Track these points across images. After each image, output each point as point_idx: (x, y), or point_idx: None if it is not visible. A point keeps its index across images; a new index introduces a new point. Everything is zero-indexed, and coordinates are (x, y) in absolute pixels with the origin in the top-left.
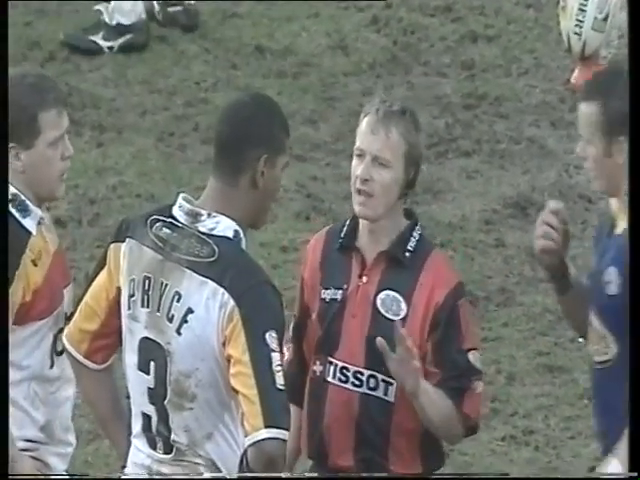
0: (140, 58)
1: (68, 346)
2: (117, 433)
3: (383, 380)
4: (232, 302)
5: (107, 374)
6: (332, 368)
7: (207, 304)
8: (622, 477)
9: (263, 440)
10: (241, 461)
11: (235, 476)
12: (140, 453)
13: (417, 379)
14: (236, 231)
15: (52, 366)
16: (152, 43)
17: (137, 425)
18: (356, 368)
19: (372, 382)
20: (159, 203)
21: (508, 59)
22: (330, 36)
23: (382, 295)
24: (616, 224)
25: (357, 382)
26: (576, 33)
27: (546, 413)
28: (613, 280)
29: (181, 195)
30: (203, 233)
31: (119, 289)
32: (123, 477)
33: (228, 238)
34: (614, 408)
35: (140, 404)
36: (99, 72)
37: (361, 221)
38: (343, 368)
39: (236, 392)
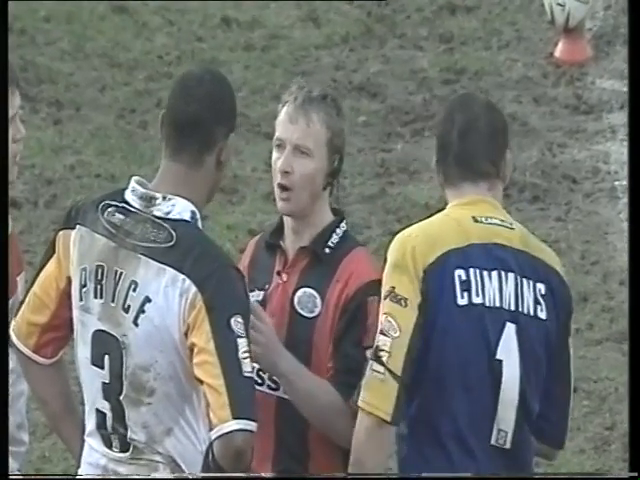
0: (99, 30)
1: (15, 340)
2: (70, 431)
3: None
4: (194, 288)
5: (57, 368)
6: None
7: (166, 292)
8: (622, 477)
9: (231, 432)
10: (206, 454)
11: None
12: (94, 452)
13: (290, 361)
14: (193, 212)
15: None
16: (112, 14)
17: (91, 423)
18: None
19: None
20: (120, 183)
21: (488, 31)
22: (300, 7)
23: (299, 293)
24: None
25: (273, 385)
26: (559, 4)
27: None
28: None
29: (134, 178)
30: (159, 217)
31: (69, 279)
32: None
33: (185, 221)
34: None
35: (94, 400)
36: (56, 45)
37: (285, 218)
38: (259, 370)
39: (200, 382)
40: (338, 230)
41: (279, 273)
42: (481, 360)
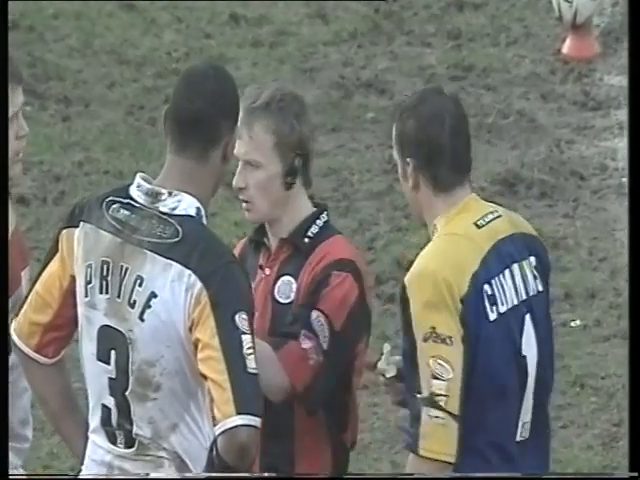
0: (108, 27)
1: (17, 340)
2: (70, 430)
3: None
4: (199, 284)
5: (59, 368)
6: None
7: (172, 287)
8: (622, 477)
9: (235, 427)
10: (211, 450)
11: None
12: (99, 449)
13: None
14: (198, 208)
15: (9, 353)
16: (120, 11)
17: (95, 419)
18: None
19: None
20: (128, 180)
21: (496, 28)
22: (308, 4)
23: (279, 282)
24: None
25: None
26: (567, 0)
27: None
28: None
29: (139, 174)
30: (164, 213)
31: (73, 277)
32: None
33: (191, 216)
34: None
35: (99, 396)
36: (64, 42)
37: None
38: None
39: (205, 378)
40: (318, 221)
41: (262, 267)
42: (511, 364)
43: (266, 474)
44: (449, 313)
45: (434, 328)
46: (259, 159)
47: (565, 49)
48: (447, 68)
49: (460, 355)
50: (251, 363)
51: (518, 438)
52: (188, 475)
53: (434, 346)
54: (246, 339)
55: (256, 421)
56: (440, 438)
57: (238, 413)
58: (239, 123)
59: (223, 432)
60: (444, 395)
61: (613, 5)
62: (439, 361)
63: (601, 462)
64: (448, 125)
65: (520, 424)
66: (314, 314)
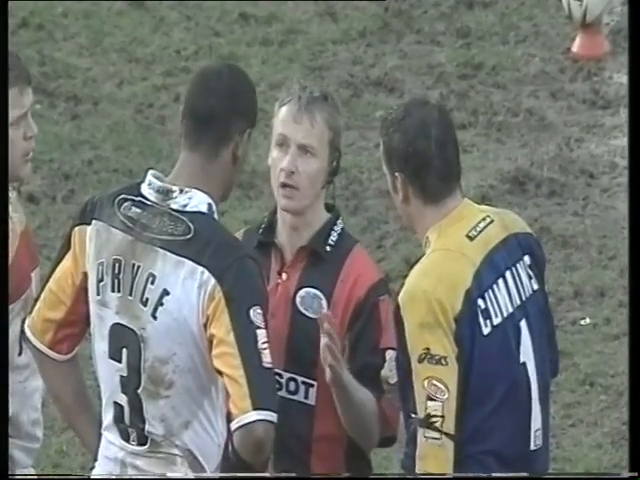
0: (117, 25)
1: (30, 336)
2: (84, 426)
3: (303, 382)
4: (213, 280)
5: (72, 364)
6: None
7: (185, 284)
8: (622, 477)
9: (252, 422)
10: (226, 446)
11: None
12: (112, 446)
13: (338, 366)
14: (209, 204)
15: (20, 353)
16: (129, 9)
17: (108, 416)
18: (275, 370)
19: (292, 385)
20: (137, 178)
21: (505, 26)
22: (318, 2)
23: (302, 292)
24: None
25: (276, 385)
26: None
27: None
28: None
29: (150, 172)
30: (176, 210)
31: (85, 274)
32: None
33: (202, 213)
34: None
35: (111, 394)
36: (74, 40)
37: (280, 215)
38: (277, 374)
39: (220, 374)
40: (336, 227)
41: (279, 273)
42: (510, 374)
43: (277, 474)
44: (443, 333)
45: (428, 349)
46: (317, 147)
47: (575, 47)
48: (456, 66)
49: (455, 374)
50: (266, 357)
51: (532, 447)
52: (203, 475)
53: (429, 367)
54: (261, 333)
55: (273, 416)
56: (438, 459)
57: (255, 408)
58: (296, 108)
59: (240, 427)
60: (439, 416)
61: (623, 4)
62: (434, 382)
63: (610, 460)
64: (434, 136)
65: (532, 432)
66: (388, 355)
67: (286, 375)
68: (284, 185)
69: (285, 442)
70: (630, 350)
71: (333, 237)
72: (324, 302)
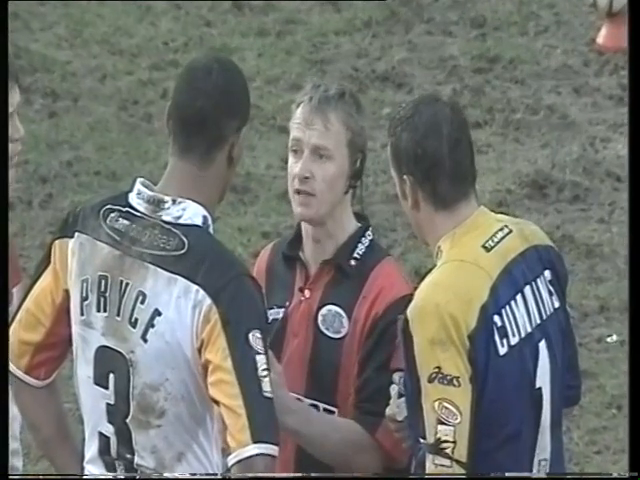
0: (99, 14)
1: None
2: (65, 458)
3: (325, 410)
4: (208, 300)
5: (50, 391)
6: None
7: (178, 304)
8: (622, 477)
9: (252, 457)
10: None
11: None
12: None
13: (299, 412)
14: (204, 217)
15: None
16: None
17: (92, 448)
18: (295, 395)
19: None
20: (121, 181)
21: (524, 15)
22: None
23: (324, 311)
24: None
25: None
26: None
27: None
28: None
29: (139, 180)
30: (168, 223)
31: (67, 292)
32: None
33: (197, 226)
34: None
35: (96, 423)
36: (52, 31)
37: (304, 227)
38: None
39: (216, 403)
40: (364, 239)
41: (301, 290)
42: (524, 398)
43: (278, 475)
44: (456, 351)
45: (439, 368)
46: (332, 149)
47: (600, 39)
48: (471, 59)
49: (469, 397)
50: (266, 386)
51: (535, 473)
52: (198, 476)
53: (440, 388)
54: (260, 360)
55: (273, 449)
56: None
57: (255, 441)
58: (308, 110)
59: (238, 462)
60: (451, 442)
61: None
62: (445, 404)
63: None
64: (446, 136)
65: (536, 462)
66: (396, 377)
67: (306, 401)
68: (298, 192)
69: (306, 470)
70: (630, 351)
71: (360, 250)
72: (345, 320)
